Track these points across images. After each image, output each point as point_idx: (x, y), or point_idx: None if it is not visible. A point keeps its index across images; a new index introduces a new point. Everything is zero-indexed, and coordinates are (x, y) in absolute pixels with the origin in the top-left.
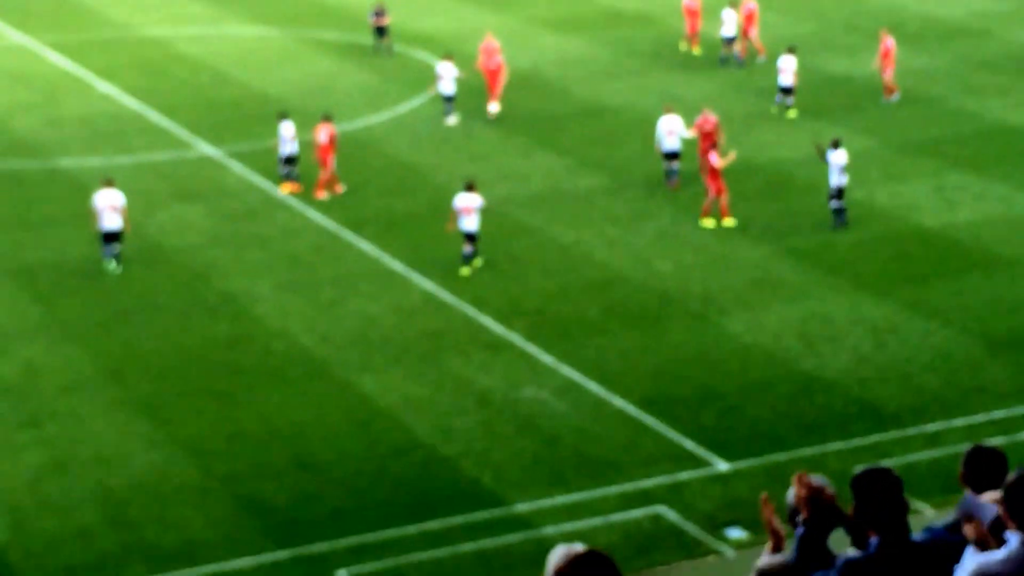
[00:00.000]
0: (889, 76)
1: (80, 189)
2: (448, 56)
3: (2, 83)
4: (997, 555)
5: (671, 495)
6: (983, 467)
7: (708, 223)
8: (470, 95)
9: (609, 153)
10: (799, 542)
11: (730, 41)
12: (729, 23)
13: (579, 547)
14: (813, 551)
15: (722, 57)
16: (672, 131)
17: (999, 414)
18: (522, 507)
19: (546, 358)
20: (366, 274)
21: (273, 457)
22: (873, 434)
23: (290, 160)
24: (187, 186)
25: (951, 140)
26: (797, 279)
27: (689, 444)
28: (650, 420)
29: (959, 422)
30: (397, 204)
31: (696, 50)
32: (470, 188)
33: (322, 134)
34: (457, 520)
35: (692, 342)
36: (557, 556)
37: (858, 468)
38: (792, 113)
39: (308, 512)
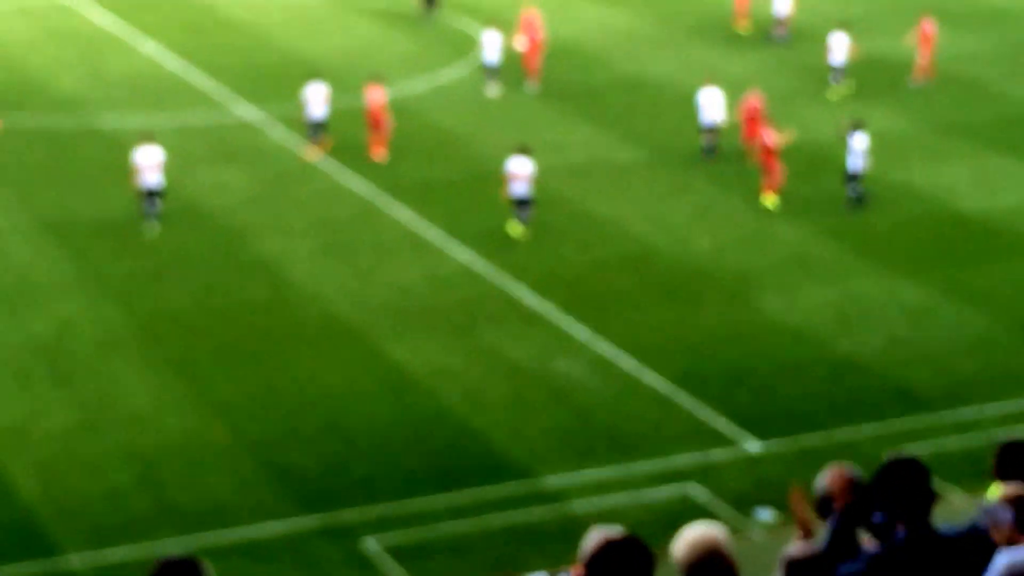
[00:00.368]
0: (926, 60)
1: (119, 147)
2: (494, 24)
3: (47, 41)
4: None
5: (701, 473)
6: (1016, 461)
7: (769, 201)
8: (513, 64)
9: (649, 127)
10: (831, 533)
11: (781, 21)
12: (783, 1)
13: (617, 531)
14: (844, 542)
15: (776, 34)
16: (711, 104)
17: None
18: (552, 481)
19: (580, 331)
20: (402, 241)
21: (304, 423)
22: (906, 416)
23: (320, 125)
24: (226, 148)
25: (993, 124)
26: (834, 259)
27: (721, 423)
28: (682, 397)
29: (993, 408)
30: (436, 172)
31: (745, 29)
32: (524, 151)
33: (376, 94)
34: (486, 492)
35: (727, 320)
36: (594, 539)
37: (887, 455)
38: (840, 91)
39: (337, 479)
